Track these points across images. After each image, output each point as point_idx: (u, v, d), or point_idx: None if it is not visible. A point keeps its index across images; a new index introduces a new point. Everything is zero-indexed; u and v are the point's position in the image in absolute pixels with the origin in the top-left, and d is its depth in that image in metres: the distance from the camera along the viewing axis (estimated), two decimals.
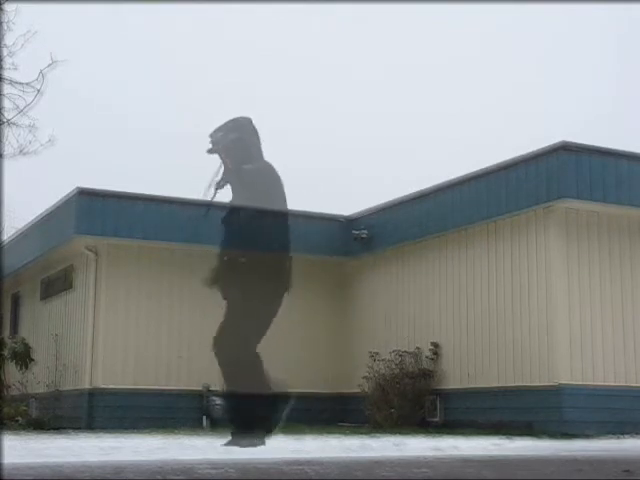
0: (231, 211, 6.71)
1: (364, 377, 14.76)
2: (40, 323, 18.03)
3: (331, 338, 16.45)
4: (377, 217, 16.13)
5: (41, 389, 16.13)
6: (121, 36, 41.45)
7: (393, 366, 14.48)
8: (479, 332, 13.71)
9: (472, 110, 39.41)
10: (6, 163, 13.20)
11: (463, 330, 14.03)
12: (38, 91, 13.11)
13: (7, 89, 13.20)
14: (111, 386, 14.98)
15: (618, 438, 11.24)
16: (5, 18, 12.97)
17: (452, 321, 14.29)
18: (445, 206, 14.46)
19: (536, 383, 12.54)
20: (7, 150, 13.24)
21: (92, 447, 6.96)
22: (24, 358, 15.01)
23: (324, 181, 33.92)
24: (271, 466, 4.65)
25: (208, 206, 6.62)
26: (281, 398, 6.60)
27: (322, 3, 32.49)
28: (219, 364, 6.61)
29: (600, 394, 12.29)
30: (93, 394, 14.93)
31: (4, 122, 13.16)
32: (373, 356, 14.79)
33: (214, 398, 14.89)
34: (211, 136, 6.68)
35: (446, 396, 14.12)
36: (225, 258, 6.67)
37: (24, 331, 18.61)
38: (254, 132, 6.79)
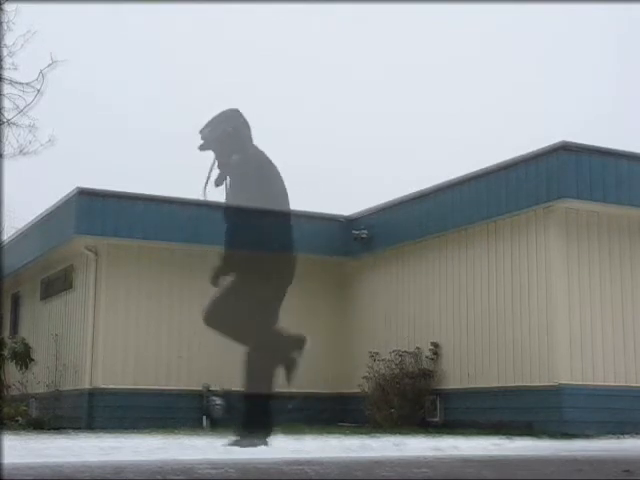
0: (226, 207, 6.72)
1: (364, 377, 14.76)
2: (40, 323, 18.03)
3: (331, 338, 16.45)
4: (377, 217, 16.13)
5: (41, 389, 16.13)
6: (121, 36, 41.46)
7: (393, 366, 14.48)
8: (479, 332, 13.71)
9: (472, 110, 39.42)
10: (6, 163, 13.22)
11: (463, 330, 14.03)
12: (38, 91, 13.13)
13: (7, 89, 13.21)
14: (111, 386, 14.98)
15: (618, 438, 11.24)
16: (5, 18, 12.98)
17: (452, 321, 14.29)
18: (445, 206, 14.46)
19: (536, 383, 12.54)
20: (7, 150, 13.25)
21: (92, 447, 6.96)
22: (24, 358, 15.01)
23: (324, 181, 33.94)
24: (271, 466, 4.65)
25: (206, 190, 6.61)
26: (296, 344, 6.61)
27: (322, 3, 32.49)
28: (220, 332, 6.57)
29: (600, 394, 12.29)
30: (93, 394, 14.93)
31: (4, 122, 13.16)
32: (373, 356, 14.79)
33: (214, 398, 14.90)
34: (200, 132, 6.69)
35: (446, 396, 14.12)
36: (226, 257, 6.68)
37: (24, 331, 18.60)
38: (243, 123, 6.76)
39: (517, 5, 32.16)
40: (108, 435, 10.39)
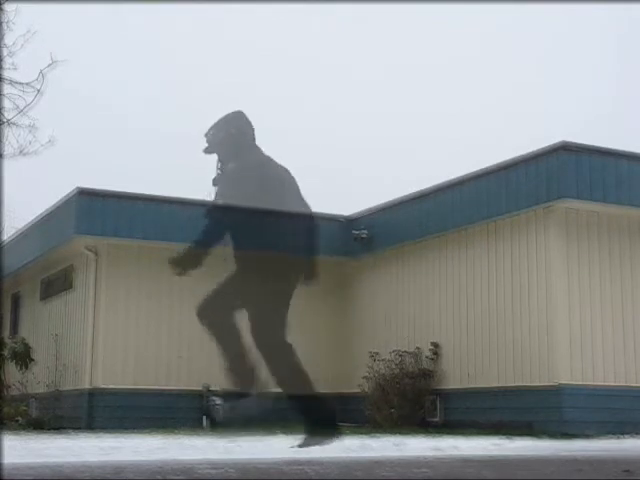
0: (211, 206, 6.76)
1: (364, 377, 14.76)
2: (40, 323, 18.03)
3: (331, 338, 16.45)
4: (377, 217, 16.13)
5: (41, 389, 16.13)
6: (121, 36, 41.47)
7: (393, 366, 14.48)
8: (479, 332, 13.71)
9: (472, 110, 39.44)
10: (6, 163, 13.21)
11: (463, 330, 14.03)
12: (38, 91, 13.13)
13: (7, 89, 13.21)
14: (111, 386, 14.97)
15: (618, 438, 11.24)
16: (5, 18, 12.98)
17: (452, 321, 14.29)
18: (445, 206, 14.45)
19: (536, 383, 12.54)
20: (7, 150, 13.25)
21: (92, 447, 6.97)
22: (24, 358, 15.01)
23: (324, 181, 33.93)
24: (271, 466, 4.65)
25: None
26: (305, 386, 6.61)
27: (322, 3, 32.49)
28: (209, 332, 6.52)
29: (600, 394, 12.29)
30: (93, 394, 14.93)
31: (4, 122, 13.16)
32: (373, 356, 14.78)
33: (214, 398, 14.88)
34: (205, 135, 6.72)
35: (446, 396, 14.12)
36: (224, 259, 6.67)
37: (24, 331, 18.60)
38: (246, 125, 6.75)
39: (517, 5, 32.18)
40: (108, 435, 10.39)
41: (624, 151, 12.87)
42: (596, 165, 12.54)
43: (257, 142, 6.79)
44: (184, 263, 6.85)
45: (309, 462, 4.78)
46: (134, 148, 37.92)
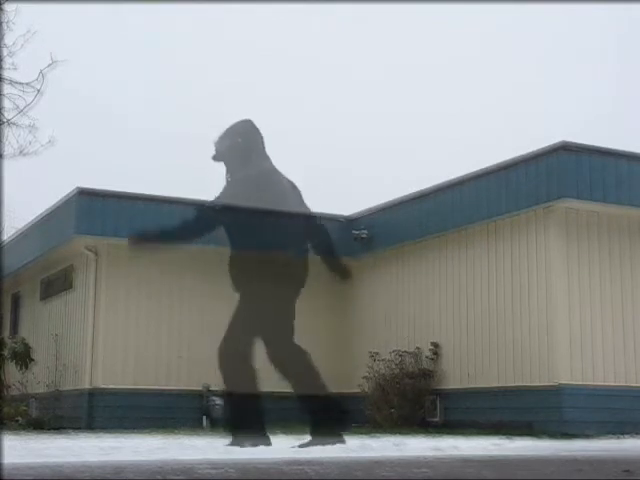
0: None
1: (364, 377, 14.75)
2: (40, 323, 18.03)
3: (331, 338, 16.43)
4: (377, 217, 16.12)
5: (41, 389, 16.13)
6: (121, 36, 41.48)
7: (393, 366, 14.48)
8: (479, 332, 13.71)
9: (472, 110, 39.44)
10: (6, 163, 13.21)
11: (463, 330, 14.03)
12: (38, 91, 13.11)
13: (7, 89, 13.20)
14: (111, 386, 14.97)
15: (618, 438, 11.23)
16: (5, 18, 12.97)
17: (452, 321, 14.29)
18: (445, 206, 14.45)
19: (536, 383, 12.54)
20: (7, 150, 13.24)
21: (92, 447, 6.96)
22: (24, 358, 15.00)
23: (324, 181, 33.92)
24: (271, 466, 4.65)
25: None
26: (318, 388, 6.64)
27: (322, 3, 32.50)
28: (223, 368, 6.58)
29: (600, 394, 12.29)
30: (93, 394, 14.92)
31: (4, 122, 13.15)
32: (373, 356, 14.78)
33: (214, 398, 14.88)
34: (214, 144, 6.73)
35: (446, 396, 14.12)
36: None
37: (24, 331, 18.60)
38: (252, 134, 6.72)
39: (517, 5, 32.19)
40: (108, 435, 10.39)
41: (624, 151, 12.87)
42: (596, 165, 12.54)
43: (267, 150, 6.76)
44: (144, 243, 6.95)
45: (309, 462, 4.77)
46: (134, 148, 37.94)
